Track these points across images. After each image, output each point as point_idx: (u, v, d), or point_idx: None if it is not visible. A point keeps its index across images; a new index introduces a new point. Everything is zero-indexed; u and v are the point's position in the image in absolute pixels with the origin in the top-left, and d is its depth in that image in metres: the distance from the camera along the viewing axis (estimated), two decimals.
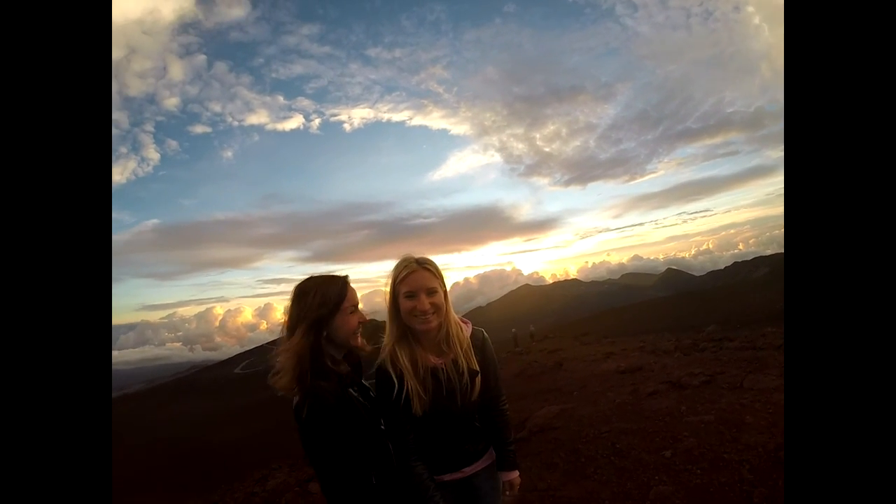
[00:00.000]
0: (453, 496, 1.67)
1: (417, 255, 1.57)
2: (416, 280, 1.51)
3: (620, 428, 4.49)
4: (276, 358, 1.42)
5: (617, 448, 4.04)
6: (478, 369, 1.59)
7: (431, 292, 1.51)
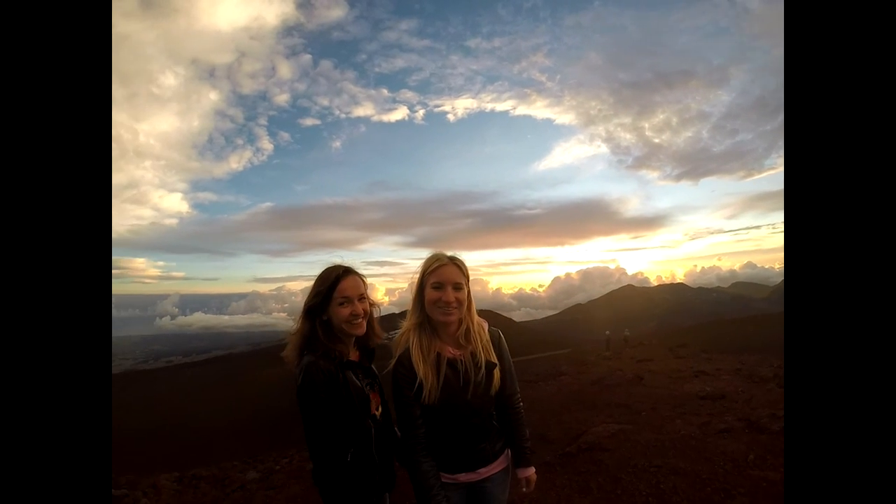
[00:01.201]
0: (466, 497, 1.69)
1: (449, 253, 1.66)
2: (445, 273, 1.60)
3: (673, 466, 3.97)
4: (289, 336, 1.67)
5: (660, 489, 3.62)
6: (496, 362, 1.65)
7: (457, 287, 1.59)
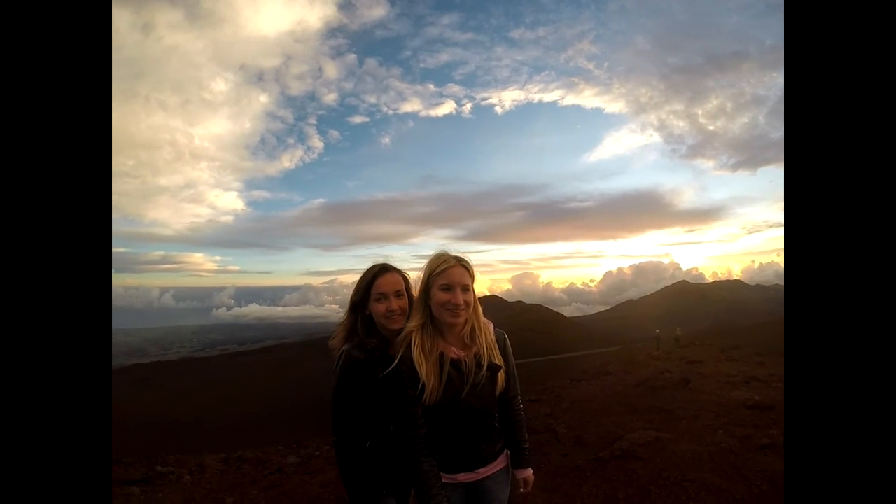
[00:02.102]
0: (465, 496, 1.69)
1: (455, 253, 1.66)
2: (453, 275, 1.59)
3: (706, 481, 3.68)
4: (337, 327, 1.79)
5: None
6: (500, 364, 1.65)
7: (465, 289, 1.59)
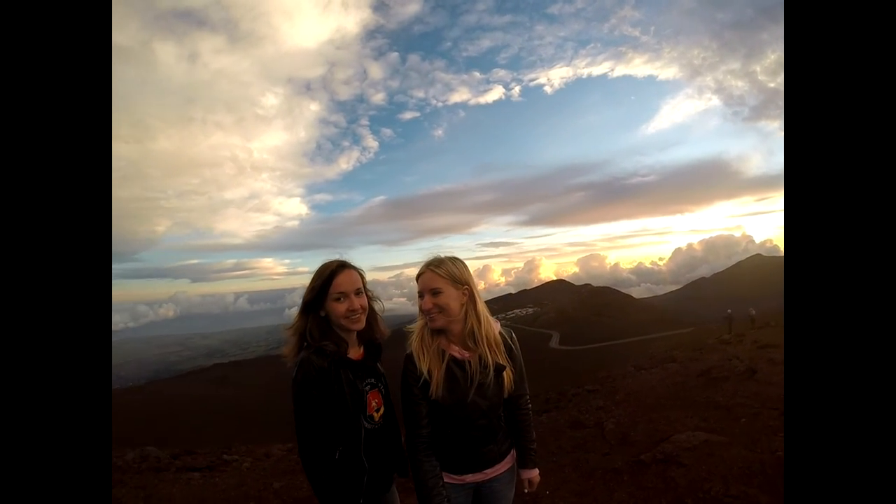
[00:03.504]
0: (473, 496, 1.71)
1: (446, 254, 1.68)
2: (421, 281, 1.64)
3: (753, 499, 3.20)
4: (286, 332, 1.66)
5: None
6: (505, 364, 1.65)
7: (436, 292, 1.60)
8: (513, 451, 1.77)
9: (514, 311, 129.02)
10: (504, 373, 1.63)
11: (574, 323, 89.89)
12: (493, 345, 1.64)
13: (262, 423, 27.49)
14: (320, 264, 1.67)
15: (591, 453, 4.72)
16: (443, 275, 1.61)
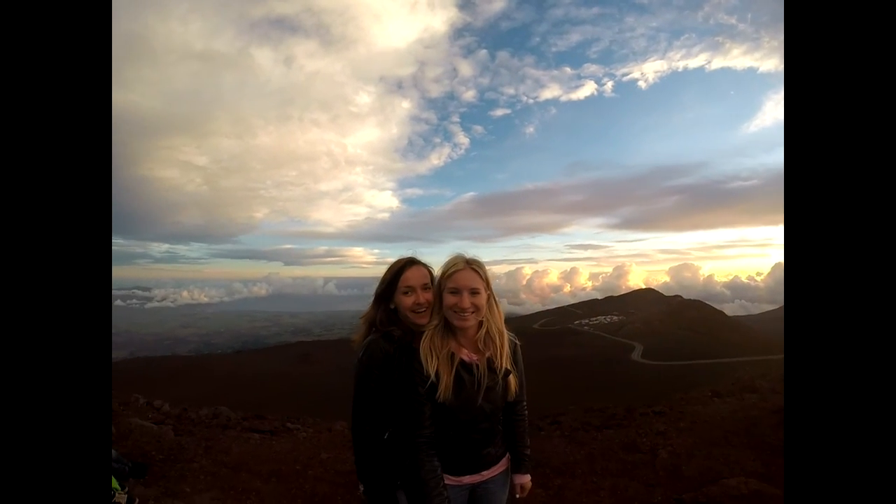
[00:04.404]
0: (468, 497, 1.72)
1: (469, 256, 1.67)
2: (461, 278, 1.60)
3: None
4: (360, 320, 1.79)
5: None
6: (512, 369, 1.67)
7: (474, 292, 1.59)
8: (507, 455, 1.80)
9: (598, 318, 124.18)
10: (510, 378, 1.66)
11: (659, 336, 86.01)
12: (504, 348, 1.66)
13: (334, 399, 27.48)
14: (393, 263, 1.79)
15: (635, 481, 4.38)
16: (483, 275, 1.63)
